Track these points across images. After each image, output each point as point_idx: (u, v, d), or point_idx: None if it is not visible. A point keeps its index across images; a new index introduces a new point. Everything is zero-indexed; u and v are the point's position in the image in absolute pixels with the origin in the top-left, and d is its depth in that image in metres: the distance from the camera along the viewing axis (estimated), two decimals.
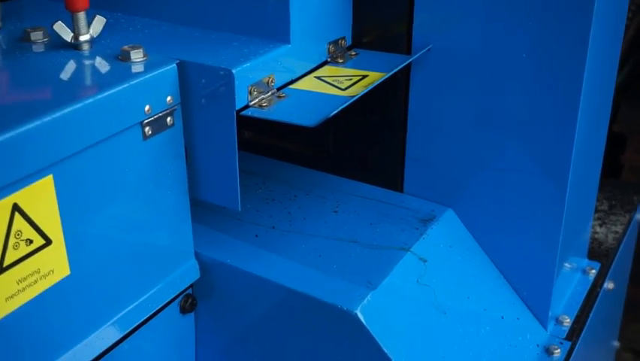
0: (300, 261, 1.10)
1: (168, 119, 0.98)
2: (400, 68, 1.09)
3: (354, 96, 1.00)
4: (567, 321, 1.27)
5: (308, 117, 0.94)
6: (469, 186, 1.21)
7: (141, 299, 1.01)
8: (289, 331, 1.08)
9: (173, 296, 1.07)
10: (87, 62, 0.98)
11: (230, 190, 1.02)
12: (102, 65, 0.97)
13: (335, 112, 0.93)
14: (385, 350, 0.99)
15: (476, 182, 1.20)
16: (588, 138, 1.20)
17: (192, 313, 1.14)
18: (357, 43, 1.22)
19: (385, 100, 1.24)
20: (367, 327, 1.00)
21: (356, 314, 1.00)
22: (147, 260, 1.01)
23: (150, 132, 0.95)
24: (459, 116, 1.17)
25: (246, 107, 0.99)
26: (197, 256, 1.10)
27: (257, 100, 1.00)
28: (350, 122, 1.30)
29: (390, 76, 1.09)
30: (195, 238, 1.13)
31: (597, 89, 1.18)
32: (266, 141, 1.42)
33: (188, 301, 1.10)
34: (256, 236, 1.17)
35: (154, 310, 1.04)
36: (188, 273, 1.09)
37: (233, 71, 0.95)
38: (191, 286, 1.11)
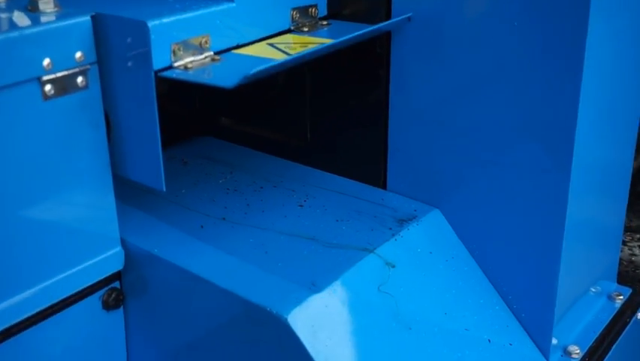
0: (241, 257, 0.95)
1: (79, 79, 0.85)
2: (359, 34, 0.92)
3: (283, 58, 0.85)
4: (577, 353, 1.06)
5: (228, 79, 0.79)
6: (459, 183, 1.03)
7: (49, 282, 0.89)
8: (219, 332, 0.92)
9: (90, 284, 0.93)
10: None
11: (153, 167, 0.88)
12: (8, 15, 0.85)
13: (255, 72, 0.77)
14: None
15: (467, 178, 1.02)
16: (601, 133, 1.00)
17: (120, 311, 0.99)
18: (335, 14, 1.07)
19: (365, 81, 1.08)
20: (298, 335, 0.83)
21: (286, 320, 0.83)
22: (57, 240, 0.88)
23: (53, 92, 0.83)
24: (445, 97, 0.99)
25: (170, 68, 0.85)
26: (124, 244, 0.96)
27: (183, 61, 0.85)
28: (328, 107, 1.14)
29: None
30: (130, 225, 1.00)
31: (611, 72, 0.98)
32: (243, 128, 1.27)
33: (112, 296, 0.96)
34: (201, 227, 1.02)
35: (65, 297, 0.91)
36: (110, 261, 0.95)
37: (149, 25, 0.81)
38: (117, 279, 0.97)
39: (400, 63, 1.03)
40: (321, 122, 1.16)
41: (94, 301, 0.95)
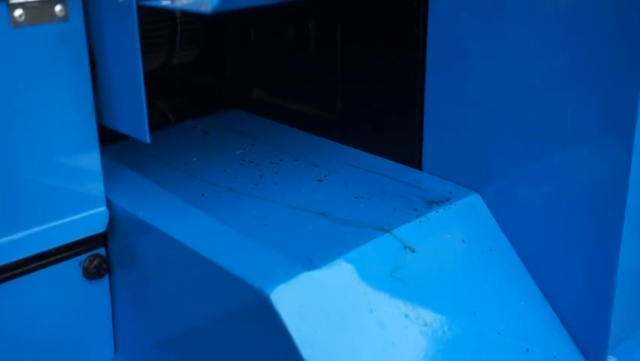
0: (236, 227, 0.82)
1: (57, 8, 0.75)
2: None
3: None
4: None
5: (205, 4, 0.67)
6: (506, 167, 0.87)
7: (23, 233, 0.80)
8: (205, 307, 0.80)
9: (67, 243, 0.83)
10: None
11: (137, 114, 0.77)
12: None
13: None
14: (299, 350, 0.68)
15: (517, 161, 0.86)
16: None
17: (104, 281, 0.88)
18: None
19: (399, 41, 0.94)
20: (280, 315, 0.69)
21: (268, 296, 0.70)
22: (32, 191, 0.79)
23: (23, 19, 0.73)
24: (496, 65, 0.84)
25: None
26: (110, 205, 0.86)
27: None
28: (360, 77, 1.01)
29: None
30: (121, 186, 0.89)
31: None
32: (273, 100, 1.15)
33: (94, 263, 0.86)
34: (202, 195, 0.90)
35: (40, 252, 0.81)
36: (92, 221, 0.85)
37: None
38: (101, 245, 0.87)
39: (439, 17, 0.88)
40: (353, 94, 1.02)
41: (73, 267, 0.85)
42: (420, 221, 0.84)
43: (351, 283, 0.75)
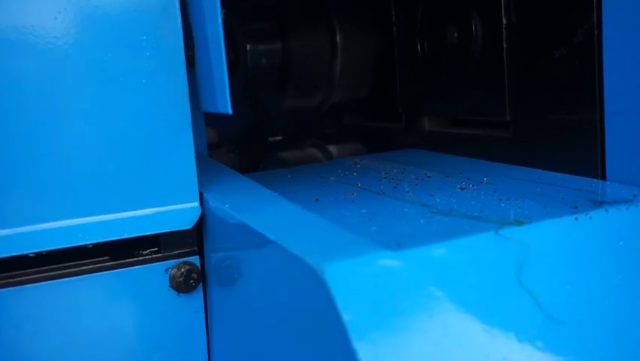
0: (338, 219, 0.66)
1: None
2: None
3: None
4: None
5: None
6: None
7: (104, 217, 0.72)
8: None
9: (142, 234, 0.73)
10: None
11: (220, 89, 0.67)
12: None
13: None
14: (354, 345, 0.49)
15: None
16: None
17: (196, 297, 0.76)
18: None
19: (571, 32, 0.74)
20: (333, 295, 0.51)
21: (322, 273, 0.52)
22: (114, 171, 0.72)
23: None
24: None
25: None
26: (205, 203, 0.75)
27: None
28: (529, 79, 0.81)
29: None
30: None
31: None
32: (446, 130, 0.98)
33: (182, 271, 0.74)
34: (316, 201, 0.75)
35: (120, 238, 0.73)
36: (177, 215, 0.74)
37: None
38: (193, 253, 0.75)
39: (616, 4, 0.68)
40: (523, 99, 0.82)
41: (160, 272, 0.74)
42: (577, 219, 0.60)
43: (436, 275, 0.54)
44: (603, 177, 0.73)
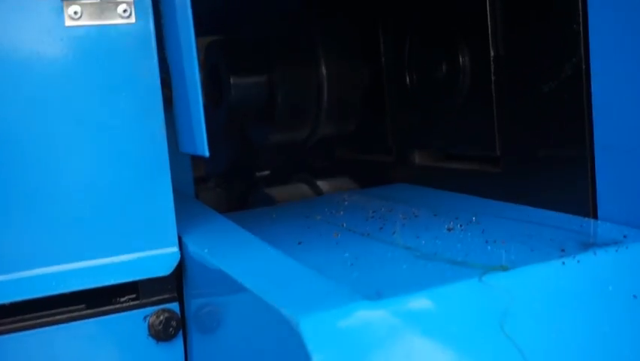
0: (316, 264, 0.64)
1: (121, 8, 0.68)
2: None
3: None
4: None
5: None
6: None
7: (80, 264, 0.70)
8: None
9: (120, 281, 0.71)
10: None
11: (197, 130, 0.66)
12: None
13: None
14: None
15: None
16: None
17: (176, 345, 0.73)
18: None
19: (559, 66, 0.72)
20: (308, 348, 0.49)
21: (297, 325, 0.50)
22: (89, 215, 0.70)
23: (79, 16, 0.67)
24: None
25: None
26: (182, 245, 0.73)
27: None
28: (519, 113, 0.79)
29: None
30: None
31: None
32: (437, 164, 0.96)
33: (161, 319, 0.72)
34: (299, 243, 0.73)
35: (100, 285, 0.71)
36: (155, 261, 0.71)
37: None
38: (172, 300, 0.73)
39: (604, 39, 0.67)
40: (514, 139, 0.81)
41: (139, 323, 0.72)
42: (564, 263, 0.58)
43: (417, 325, 0.52)
44: (595, 214, 0.71)
